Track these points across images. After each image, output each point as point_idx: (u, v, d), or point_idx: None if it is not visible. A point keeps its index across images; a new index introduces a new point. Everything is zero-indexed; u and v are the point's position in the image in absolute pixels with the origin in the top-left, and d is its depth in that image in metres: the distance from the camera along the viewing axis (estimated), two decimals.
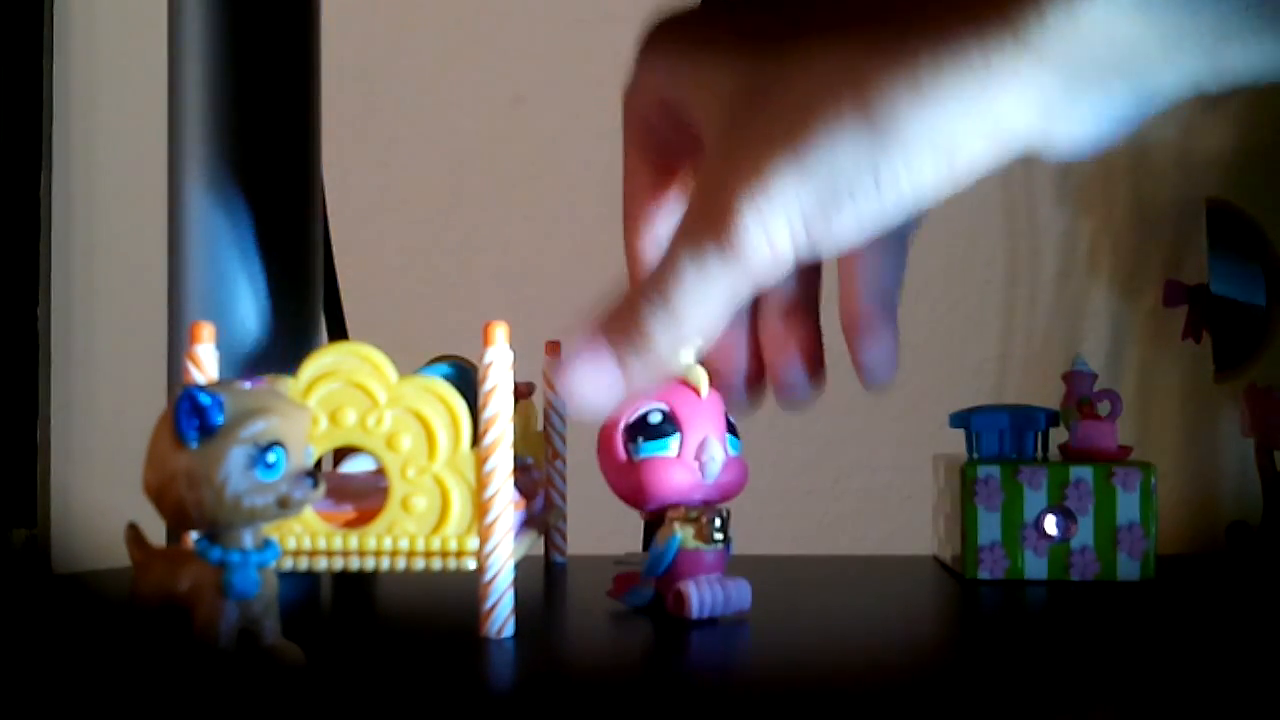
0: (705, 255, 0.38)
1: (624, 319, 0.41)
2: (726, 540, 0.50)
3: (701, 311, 0.39)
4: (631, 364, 0.40)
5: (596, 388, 0.40)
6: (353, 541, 0.47)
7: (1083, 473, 0.59)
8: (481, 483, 0.47)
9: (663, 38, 0.44)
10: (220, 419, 0.39)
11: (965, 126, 0.36)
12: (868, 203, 0.37)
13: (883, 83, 0.36)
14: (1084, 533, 0.59)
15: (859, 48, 0.37)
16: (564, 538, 0.63)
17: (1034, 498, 0.59)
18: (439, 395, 0.47)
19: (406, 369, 0.49)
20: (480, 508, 0.47)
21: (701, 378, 0.51)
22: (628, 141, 0.48)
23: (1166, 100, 0.36)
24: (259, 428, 0.39)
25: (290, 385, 0.47)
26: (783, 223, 0.37)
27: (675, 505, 0.50)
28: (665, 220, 0.48)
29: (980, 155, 0.36)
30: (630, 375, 0.40)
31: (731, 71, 0.40)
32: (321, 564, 0.47)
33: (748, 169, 0.38)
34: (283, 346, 0.55)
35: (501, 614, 0.47)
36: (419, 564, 0.47)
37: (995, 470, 0.59)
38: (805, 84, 0.38)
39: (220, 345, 0.48)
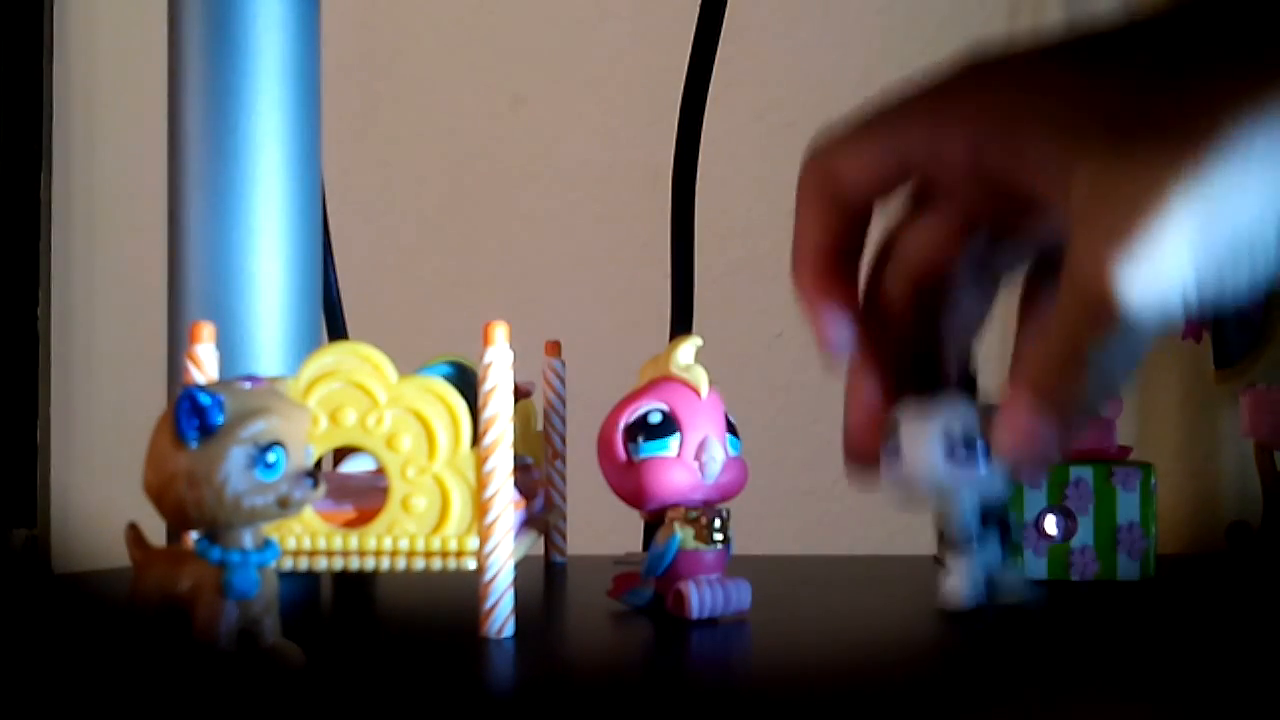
0: (1105, 340, 0.37)
1: (1055, 395, 0.39)
2: (726, 540, 0.50)
3: (1126, 372, 0.38)
4: (1068, 427, 0.40)
5: (1044, 448, 0.41)
6: (353, 541, 0.47)
7: (1083, 473, 0.59)
8: (481, 483, 0.47)
9: (996, 71, 0.41)
10: (220, 419, 0.39)
11: None
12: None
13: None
14: (1084, 533, 0.59)
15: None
16: (564, 538, 0.63)
17: (1034, 497, 0.59)
18: (439, 395, 0.47)
19: (406, 369, 0.49)
20: (480, 508, 0.47)
21: (702, 378, 0.51)
22: (887, 131, 0.43)
23: None
24: (259, 428, 0.39)
25: (290, 385, 0.47)
26: (1174, 281, 0.35)
27: (675, 505, 0.50)
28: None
29: None
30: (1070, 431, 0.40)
31: (1096, 121, 0.37)
32: (321, 564, 0.47)
33: (1132, 225, 0.35)
34: (283, 346, 0.55)
35: (501, 614, 0.47)
36: (419, 564, 0.47)
37: None
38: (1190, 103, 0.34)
39: (220, 345, 0.48)
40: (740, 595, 0.51)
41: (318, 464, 0.49)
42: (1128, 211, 0.35)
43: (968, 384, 0.51)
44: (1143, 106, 0.35)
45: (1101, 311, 0.36)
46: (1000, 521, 0.52)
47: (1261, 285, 0.34)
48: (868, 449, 0.47)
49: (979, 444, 0.48)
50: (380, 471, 0.49)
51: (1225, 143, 0.34)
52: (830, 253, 0.44)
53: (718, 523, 0.50)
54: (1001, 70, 0.40)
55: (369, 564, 0.47)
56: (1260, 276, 0.34)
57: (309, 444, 0.42)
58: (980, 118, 0.39)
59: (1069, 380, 0.39)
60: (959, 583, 0.52)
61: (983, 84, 0.40)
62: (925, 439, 0.49)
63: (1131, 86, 0.36)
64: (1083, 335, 0.37)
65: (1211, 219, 0.34)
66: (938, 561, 0.53)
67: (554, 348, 0.62)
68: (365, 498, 0.50)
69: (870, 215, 0.45)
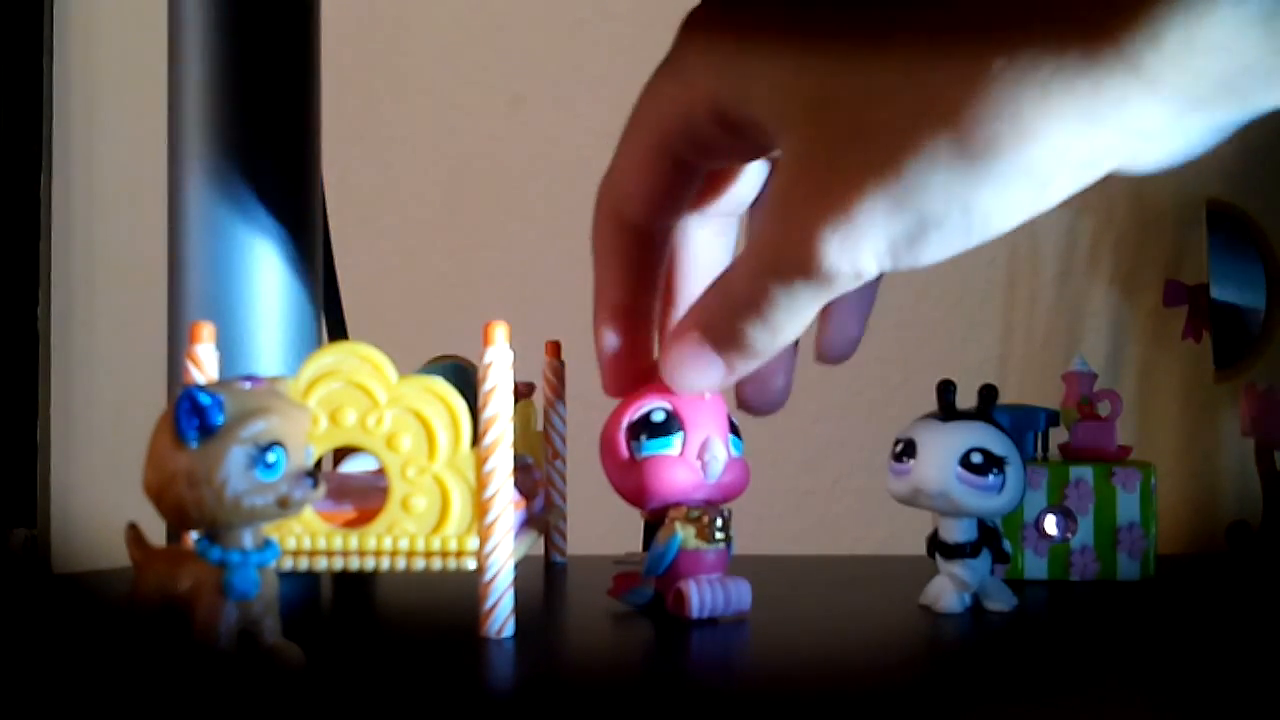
0: (795, 289, 0.38)
1: (724, 331, 0.42)
2: (727, 540, 0.50)
3: (798, 327, 0.40)
4: (736, 365, 0.43)
5: (702, 376, 0.44)
6: (353, 541, 0.47)
7: (1083, 473, 0.59)
8: (481, 483, 0.47)
9: (719, 23, 0.41)
10: (220, 419, 0.39)
11: (1064, 158, 0.34)
12: (954, 235, 0.35)
13: (984, 114, 0.33)
14: (1084, 533, 0.59)
15: (961, 66, 0.34)
16: (564, 538, 0.63)
17: (1034, 498, 0.59)
18: (439, 395, 0.47)
19: (406, 369, 0.49)
20: (480, 508, 0.47)
21: None
22: (647, 131, 0.44)
23: (1260, 114, 0.34)
24: (259, 428, 0.39)
25: (290, 385, 0.47)
26: (870, 254, 0.36)
27: (677, 504, 0.50)
28: (688, 218, 0.48)
29: (1073, 185, 0.34)
30: (734, 370, 0.43)
31: (814, 72, 0.37)
32: (321, 564, 0.47)
33: (836, 199, 0.36)
34: (283, 346, 0.55)
35: (501, 614, 0.47)
36: (419, 564, 0.47)
37: None
38: (904, 103, 0.35)
39: (220, 345, 0.48)
40: (740, 595, 0.51)
41: (318, 464, 0.49)
42: (835, 199, 0.36)
43: (985, 411, 0.52)
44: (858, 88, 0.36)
45: (795, 261, 0.38)
46: (992, 532, 0.53)
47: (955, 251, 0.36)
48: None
49: (996, 465, 0.50)
50: (380, 471, 0.49)
51: (913, 172, 0.35)
52: (631, 297, 0.48)
53: (719, 522, 0.50)
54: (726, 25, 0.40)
55: (369, 564, 0.47)
56: (949, 244, 0.36)
57: (309, 444, 0.42)
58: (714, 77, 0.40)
59: (742, 321, 0.41)
60: (948, 587, 0.53)
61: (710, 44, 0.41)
62: (944, 453, 0.50)
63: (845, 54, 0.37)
64: (768, 281, 0.39)
65: (895, 214, 0.36)
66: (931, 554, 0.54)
67: (554, 348, 0.62)
68: (365, 498, 0.50)
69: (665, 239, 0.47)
